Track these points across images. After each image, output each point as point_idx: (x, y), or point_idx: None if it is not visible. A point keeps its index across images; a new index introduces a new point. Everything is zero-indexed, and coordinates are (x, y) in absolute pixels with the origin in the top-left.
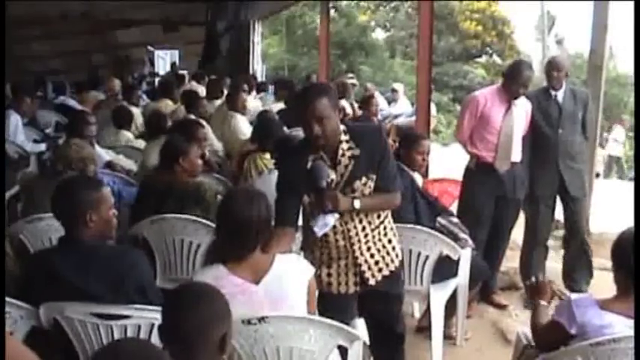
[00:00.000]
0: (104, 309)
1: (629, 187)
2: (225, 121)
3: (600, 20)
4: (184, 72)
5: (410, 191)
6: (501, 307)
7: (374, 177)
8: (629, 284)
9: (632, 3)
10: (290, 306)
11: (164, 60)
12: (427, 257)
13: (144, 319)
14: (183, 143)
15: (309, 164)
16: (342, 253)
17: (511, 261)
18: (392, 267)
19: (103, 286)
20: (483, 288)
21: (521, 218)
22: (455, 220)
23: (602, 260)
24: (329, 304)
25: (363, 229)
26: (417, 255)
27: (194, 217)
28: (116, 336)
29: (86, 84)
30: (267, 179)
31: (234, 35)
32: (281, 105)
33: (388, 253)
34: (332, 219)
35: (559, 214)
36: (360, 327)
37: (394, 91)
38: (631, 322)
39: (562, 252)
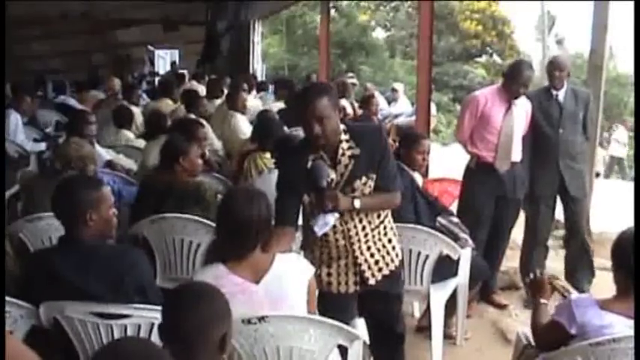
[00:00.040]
0: (104, 308)
1: (630, 186)
2: (225, 121)
3: (600, 20)
4: (184, 71)
5: (410, 191)
6: (501, 306)
7: (374, 176)
8: (629, 284)
9: (632, 3)
10: (290, 306)
11: (164, 59)
12: (427, 257)
13: (144, 319)
14: (183, 143)
15: (309, 164)
16: (342, 252)
17: (511, 261)
18: (392, 267)
19: (103, 286)
20: (483, 288)
21: (522, 218)
22: (455, 219)
23: (602, 260)
24: (329, 303)
25: (363, 228)
26: (417, 255)
27: (194, 217)
28: (116, 335)
29: (86, 83)
30: (267, 179)
31: (234, 35)
32: (281, 104)
33: (388, 253)
34: (332, 218)
35: (559, 214)
36: (360, 327)
37: (394, 90)
38: (631, 322)
39: (562, 252)
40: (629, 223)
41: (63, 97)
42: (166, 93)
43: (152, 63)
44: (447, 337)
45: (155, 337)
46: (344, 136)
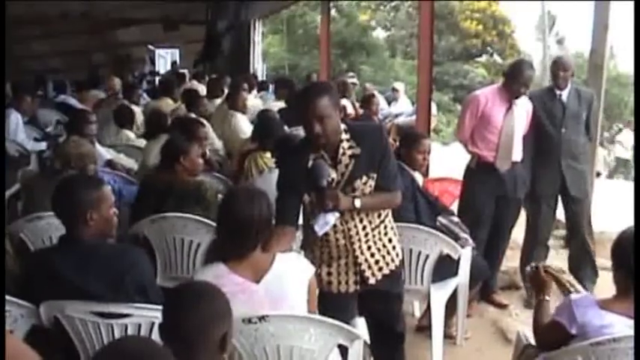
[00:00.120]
0: (105, 307)
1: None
2: (225, 120)
3: (601, 20)
4: (185, 71)
5: (410, 190)
6: (501, 306)
7: (374, 176)
8: (629, 284)
9: (633, 3)
10: (290, 305)
11: (164, 59)
12: (427, 256)
13: (144, 318)
14: (184, 142)
15: (310, 163)
16: (342, 252)
17: (511, 260)
18: (392, 266)
19: (104, 285)
20: (483, 287)
21: (522, 218)
22: (455, 219)
23: (602, 260)
24: (329, 303)
25: (364, 228)
26: (417, 254)
27: (194, 216)
28: (117, 335)
29: (86, 83)
30: (267, 178)
31: (234, 34)
32: (281, 104)
33: (388, 253)
34: (332, 218)
35: (560, 213)
36: (360, 326)
37: (395, 90)
38: (631, 322)
39: (562, 251)
40: (630, 222)
41: (63, 96)
42: (167, 92)
43: (152, 62)
44: (448, 336)
45: (155, 337)
46: (344, 136)
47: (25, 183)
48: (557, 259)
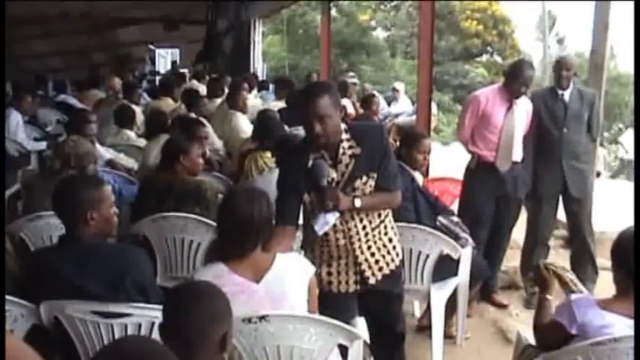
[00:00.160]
0: (105, 307)
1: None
2: (225, 120)
3: (601, 20)
4: (185, 70)
5: (410, 190)
6: (502, 306)
7: (375, 176)
8: (629, 284)
9: (633, 3)
10: (291, 305)
11: (165, 58)
12: (427, 256)
13: (144, 318)
14: (184, 142)
15: (310, 163)
16: (342, 252)
17: (511, 260)
18: (392, 266)
19: (104, 285)
20: (484, 287)
21: (522, 217)
22: (455, 219)
23: (602, 260)
24: (329, 303)
25: (364, 228)
26: (417, 254)
27: (195, 216)
28: (117, 334)
29: (86, 82)
30: (267, 178)
31: (235, 34)
32: (281, 104)
33: (389, 252)
34: (332, 218)
35: (560, 213)
36: (360, 326)
37: (395, 90)
38: (631, 322)
39: (562, 251)
40: (629, 222)
41: (63, 96)
42: (167, 92)
43: (153, 62)
44: (448, 336)
45: (155, 336)
46: (345, 136)
47: (25, 183)
48: (558, 259)
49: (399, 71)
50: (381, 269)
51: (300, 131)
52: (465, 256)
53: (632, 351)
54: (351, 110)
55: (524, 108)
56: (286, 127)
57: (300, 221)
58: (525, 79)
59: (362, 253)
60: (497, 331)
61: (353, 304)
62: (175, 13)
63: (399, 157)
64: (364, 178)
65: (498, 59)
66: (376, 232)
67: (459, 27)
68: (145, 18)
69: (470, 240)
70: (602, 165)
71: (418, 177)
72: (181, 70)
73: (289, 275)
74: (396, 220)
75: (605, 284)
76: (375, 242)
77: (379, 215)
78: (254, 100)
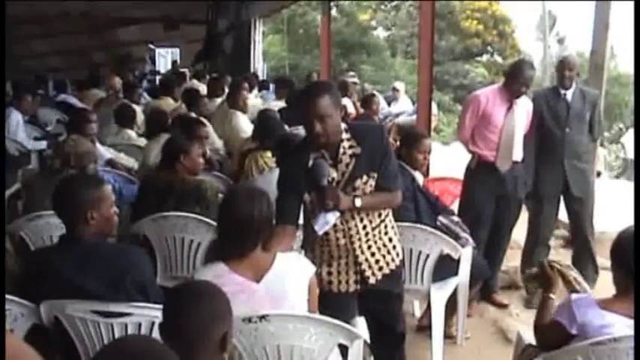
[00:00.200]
0: (105, 307)
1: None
2: (226, 120)
3: (602, 20)
4: (185, 70)
5: (411, 190)
6: (502, 306)
7: (375, 176)
8: (629, 284)
9: (633, 3)
10: (291, 305)
11: (165, 58)
12: (428, 256)
13: (144, 317)
14: (184, 141)
15: (310, 162)
16: (342, 251)
17: (511, 260)
18: (392, 266)
19: (104, 284)
20: (484, 287)
21: (523, 217)
22: (456, 219)
23: (602, 260)
24: (329, 302)
25: (364, 227)
26: (417, 254)
27: (195, 216)
28: (117, 334)
29: (87, 82)
30: (268, 177)
31: (235, 34)
32: (282, 103)
33: (389, 252)
34: (333, 217)
35: (561, 213)
36: (360, 326)
37: (395, 90)
38: (631, 322)
39: (563, 251)
40: (630, 221)
41: (64, 95)
42: (167, 92)
43: (153, 61)
44: (448, 336)
45: (156, 336)
46: (345, 135)
47: (25, 182)
48: (558, 258)
49: (400, 71)
50: (381, 269)
51: (301, 131)
52: (466, 255)
53: (632, 351)
54: (351, 110)
55: (524, 108)
56: (286, 127)
57: (301, 221)
58: (526, 79)
59: (362, 252)
60: (497, 331)
61: (353, 303)
62: (175, 13)
63: (399, 156)
64: (364, 178)
65: (498, 59)
66: (376, 231)
67: (460, 27)
68: (145, 18)
69: (470, 240)
70: (602, 165)
71: (418, 177)
72: (182, 70)
73: (289, 275)
74: (396, 220)
75: (605, 284)
76: (376, 242)
77: (379, 215)
78: (254, 100)
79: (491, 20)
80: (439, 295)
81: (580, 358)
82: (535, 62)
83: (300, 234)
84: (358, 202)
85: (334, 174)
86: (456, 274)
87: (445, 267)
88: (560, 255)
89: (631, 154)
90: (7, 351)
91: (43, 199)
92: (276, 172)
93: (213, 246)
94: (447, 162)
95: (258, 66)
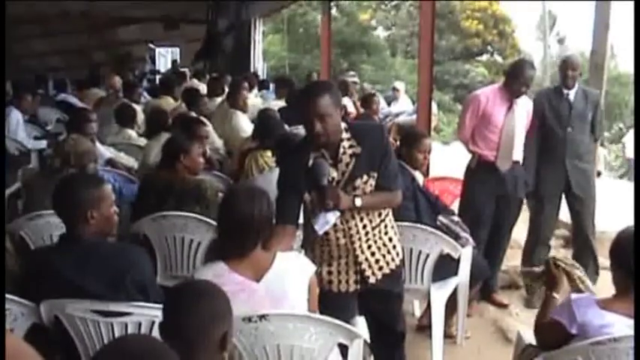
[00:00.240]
0: (105, 306)
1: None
2: (226, 119)
3: (602, 19)
4: (185, 69)
5: (411, 190)
6: (502, 306)
7: (375, 175)
8: (629, 284)
9: (633, 3)
10: (291, 304)
11: (165, 57)
12: (428, 256)
13: (144, 317)
14: (184, 141)
15: (311, 162)
16: (342, 251)
17: (512, 260)
18: (392, 265)
19: (104, 284)
20: (484, 287)
21: (523, 217)
22: (456, 218)
23: (602, 259)
24: (329, 302)
25: (364, 227)
26: (417, 253)
27: (195, 215)
28: (117, 333)
29: (87, 81)
30: (268, 177)
31: (235, 33)
32: (282, 103)
33: (389, 252)
34: (333, 217)
35: (561, 213)
36: (360, 325)
37: (395, 89)
38: (631, 322)
39: (563, 251)
40: (630, 221)
41: (64, 94)
42: (167, 91)
43: (153, 61)
44: (448, 336)
45: (156, 335)
46: (345, 135)
47: (25, 181)
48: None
49: (400, 70)
50: (381, 268)
51: (301, 130)
52: (466, 255)
53: (632, 351)
54: (351, 109)
55: (524, 108)
56: (286, 127)
57: (301, 220)
58: (526, 79)
59: (362, 252)
60: (497, 330)
61: (353, 303)
62: (175, 13)
63: (399, 156)
64: (365, 178)
65: (499, 59)
66: (376, 231)
67: (460, 26)
68: (145, 17)
69: (470, 239)
70: (602, 165)
71: (418, 176)
72: (182, 69)
73: (289, 274)
74: (396, 220)
75: (606, 284)
76: (376, 241)
77: (379, 214)
78: (254, 100)
79: (492, 20)
80: (439, 294)
81: (580, 357)
82: (535, 62)
83: (300, 234)
84: (358, 202)
85: (334, 173)
86: (455, 273)
87: (445, 267)
88: (560, 254)
89: (632, 154)
90: (7, 350)
91: (43, 199)
92: (276, 171)
93: (213, 245)
94: (447, 162)
95: (258, 65)
